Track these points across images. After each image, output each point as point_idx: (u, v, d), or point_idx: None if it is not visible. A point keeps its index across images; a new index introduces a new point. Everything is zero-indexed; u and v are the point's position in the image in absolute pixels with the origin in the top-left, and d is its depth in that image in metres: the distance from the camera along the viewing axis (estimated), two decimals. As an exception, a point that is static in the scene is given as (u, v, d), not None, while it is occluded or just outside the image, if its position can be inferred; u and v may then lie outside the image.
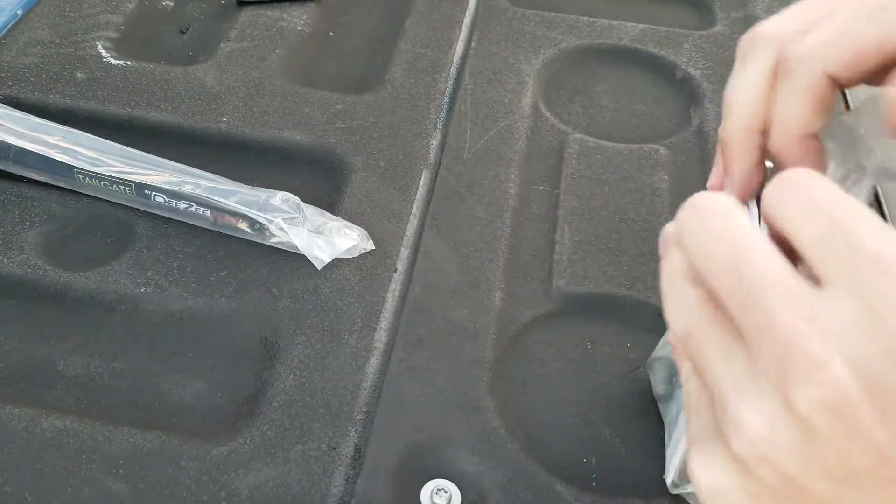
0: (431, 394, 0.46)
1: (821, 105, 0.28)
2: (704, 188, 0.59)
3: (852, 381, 0.20)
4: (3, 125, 0.54)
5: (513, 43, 0.69)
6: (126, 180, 0.52)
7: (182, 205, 0.52)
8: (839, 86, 0.29)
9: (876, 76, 0.29)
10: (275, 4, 0.70)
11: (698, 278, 0.25)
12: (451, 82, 0.65)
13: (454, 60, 0.67)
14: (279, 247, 0.51)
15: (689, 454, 0.25)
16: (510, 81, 0.65)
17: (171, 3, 0.72)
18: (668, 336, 0.41)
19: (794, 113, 0.29)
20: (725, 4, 0.75)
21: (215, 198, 0.51)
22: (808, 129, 0.29)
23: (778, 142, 0.29)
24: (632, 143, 0.62)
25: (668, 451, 0.43)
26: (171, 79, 0.63)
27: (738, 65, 0.31)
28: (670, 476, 0.41)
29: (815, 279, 0.22)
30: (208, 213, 0.52)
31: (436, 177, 0.58)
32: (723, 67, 0.68)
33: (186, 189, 0.51)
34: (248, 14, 0.69)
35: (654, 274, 0.50)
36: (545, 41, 0.69)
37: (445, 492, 0.42)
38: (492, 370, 0.47)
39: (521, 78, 0.65)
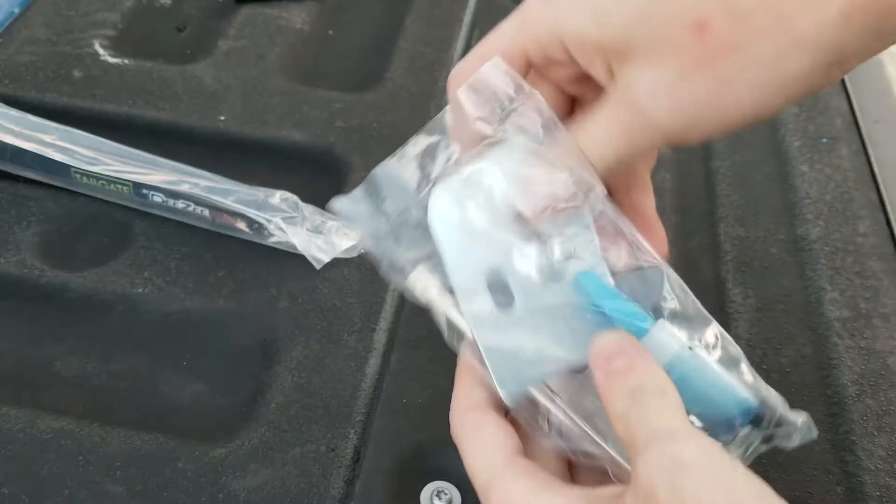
0: (431, 395, 0.46)
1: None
2: (706, 188, 0.59)
3: None
4: (0, 124, 0.54)
5: (513, 41, 0.68)
6: (123, 179, 0.52)
7: (180, 204, 0.51)
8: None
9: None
10: (273, 2, 0.70)
11: None
12: (450, 81, 0.64)
13: (454, 59, 0.66)
14: (278, 247, 0.51)
15: None
16: (510, 80, 0.65)
17: (169, 1, 0.71)
18: None
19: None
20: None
21: (213, 197, 0.51)
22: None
23: None
24: (633, 141, 0.61)
25: None
26: (168, 77, 0.62)
27: None
28: None
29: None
30: (206, 212, 0.51)
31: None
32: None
33: (184, 188, 0.51)
34: (246, 12, 0.69)
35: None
36: (545, 39, 0.68)
37: (445, 493, 0.41)
38: (492, 371, 0.47)
39: (521, 76, 0.65)
